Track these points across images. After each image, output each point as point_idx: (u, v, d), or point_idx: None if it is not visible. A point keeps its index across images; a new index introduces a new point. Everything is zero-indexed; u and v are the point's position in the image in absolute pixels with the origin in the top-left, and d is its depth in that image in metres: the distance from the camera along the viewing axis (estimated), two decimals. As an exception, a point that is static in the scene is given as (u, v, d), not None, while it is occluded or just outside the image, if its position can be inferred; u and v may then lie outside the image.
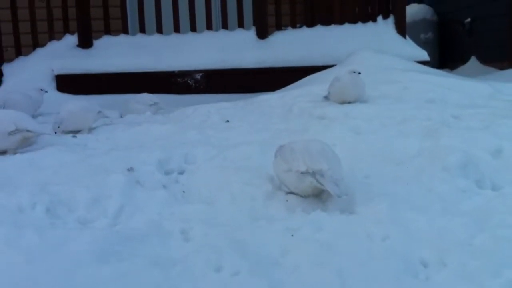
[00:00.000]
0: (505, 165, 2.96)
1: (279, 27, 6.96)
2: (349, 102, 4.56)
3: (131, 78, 6.26)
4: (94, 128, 4.50)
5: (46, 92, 4.82)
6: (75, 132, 4.34)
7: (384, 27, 6.96)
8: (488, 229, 2.31)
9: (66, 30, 6.45)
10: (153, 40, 6.59)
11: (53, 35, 6.36)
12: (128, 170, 3.19)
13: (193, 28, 6.75)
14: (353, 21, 7.01)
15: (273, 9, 6.86)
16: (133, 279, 2.05)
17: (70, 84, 5.98)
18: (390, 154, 3.20)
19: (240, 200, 2.79)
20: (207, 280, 2.07)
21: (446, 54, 10.74)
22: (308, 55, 6.59)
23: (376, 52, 6.05)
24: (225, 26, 6.86)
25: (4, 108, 4.65)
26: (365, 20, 7.03)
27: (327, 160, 2.58)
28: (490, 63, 8.96)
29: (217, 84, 6.49)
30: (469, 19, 9.79)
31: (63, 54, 6.21)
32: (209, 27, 6.81)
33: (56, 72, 6.09)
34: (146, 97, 5.19)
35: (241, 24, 6.88)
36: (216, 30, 6.86)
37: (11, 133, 3.68)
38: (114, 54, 6.30)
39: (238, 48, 6.64)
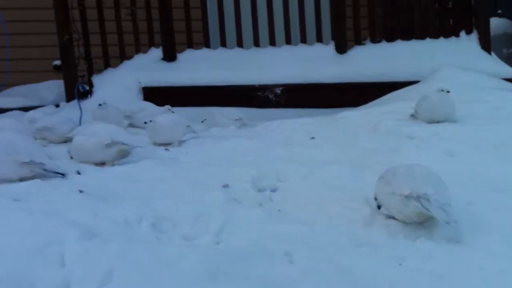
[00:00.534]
0: None
1: (358, 41, 6.92)
2: (438, 122, 4.48)
3: (213, 91, 6.39)
4: (183, 141, 4.62)
5: (173, 112, 4.94)
6: (165, 145, 4.48)
7: (468, 42, 6.79)
8: None
9: (151, 43, 6.67)
10: (234, 54, 6.70)
11: (139, 48, 6.59)
12: (224, 186, 3.26)
13: (272, 42, 6.82)
14: (435, 36, 6.88)
15: (351, 23, 6.84)
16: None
17: (155, 96, 6.17)
18: (490, 180, 3.12)
19: (338, 223, 2.79)
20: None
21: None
22: (388, 70, 6.51)
23: (461, 68, 5.91)
24: (304, 40, 6.89)
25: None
26: (446, 35, 6.88)
27: (432, 184, 2.54)
28: None
29: (296, 99, 6.53)
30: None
31: (149, 67, 6.42)
32: (288, 41, 6.86)
33: (143, 84, 6.31)
34: (231, 112, 5.29)
35: (319, 39, 6.89)
36: (295, 44, 6.90)
37: (107, 146, 3.84)
38: (197, 67, 6.46)
39: (317, 63, 6.65)
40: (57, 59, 7.57)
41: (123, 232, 2.61)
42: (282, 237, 2.64)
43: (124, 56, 6.56)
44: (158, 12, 6.50)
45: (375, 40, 7.04)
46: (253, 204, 3.05)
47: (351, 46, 6.86)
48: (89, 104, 6.11)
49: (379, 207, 2.77)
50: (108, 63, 6.55)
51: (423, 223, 2.61)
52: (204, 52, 6.72)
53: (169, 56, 6.49)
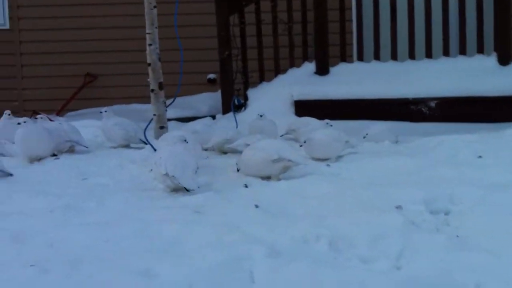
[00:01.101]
0: None
1: (523, 53, 6.45)
2: None
3: (365, 104, 6.31)
4: (341, 156, 4.61)
5: (331, 126, 4.90)
6: (323, 160, 4.49)
7: None
8: None
9: (305, 57, 6.75)
10: (388, 67, 6.56)
11: (293, 62, 6.70)
12: (397, 208, 3.19)
13: (429, 54, 6.58)
14: None
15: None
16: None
17: (307, 109, 6.21)
18: None
19: (528, 254, 2.59)
20: None
21: None
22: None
23: None
24: (462, 52, 6.57)
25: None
26: None
27: None
28: None
29: (453, 113, 6.22)
30: None
31: (301, 81, 6.50)
32: (445, 53, 6.58)
33: (295, 98, 6.40)
34: (383, 126, 5.23)
35: (480, 50, 6.53)
36: (453, 56, 6.60)
37: (274, 161, 3.94)
38: (350, 81, 6.40)
39: (477, 75, 6.29)
40: (211, 72, 7.98)
41: (303, 250, 2.64)
42: (468, 266, 2.50)
43: (278, 70, 6.71)
44: (313, 26, 6.57)
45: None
46: (431, 228, 2.94)
47: (515, 58, 6.41)
48: (243, 116, 6.33)
49: None
50: (263, 77, 6.74)
51: None
52: (357, 65, 6.66)
53: (322, 69, 6.51)
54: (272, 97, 6.45)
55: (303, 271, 2.34)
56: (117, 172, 4.31)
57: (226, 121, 6.37)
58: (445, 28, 6.54)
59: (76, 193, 3.71)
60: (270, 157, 3.90)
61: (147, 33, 5.11)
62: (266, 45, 6.69)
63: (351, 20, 7.12)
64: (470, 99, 6.23)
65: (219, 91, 7.78)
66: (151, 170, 3.85)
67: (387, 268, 2.54)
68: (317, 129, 4.74)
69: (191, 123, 5.97)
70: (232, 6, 6.56)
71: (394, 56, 6.65)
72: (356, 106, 6.30)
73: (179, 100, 7.48)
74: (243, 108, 6.65)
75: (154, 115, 5.20)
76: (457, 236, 2.87)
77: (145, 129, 5.10)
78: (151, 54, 5.13)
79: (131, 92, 7.79)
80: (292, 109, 6.42)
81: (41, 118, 5.02)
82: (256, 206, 3.23)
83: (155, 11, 5.08)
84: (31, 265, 2.51)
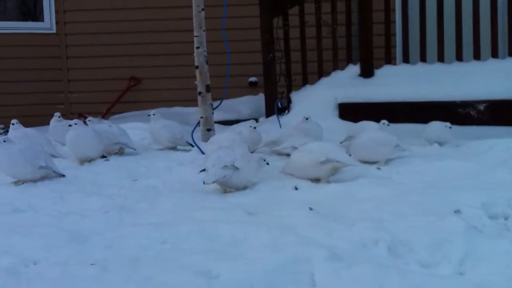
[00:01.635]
0: None
1: None
2: None
3: (411, 107, 6.21)
4: (391, 159, 4.53)
5: (388, 125, 4.89)
6: (372, 163, 4.42)
7: None
8: None
9: (349, 59, 6.69)
10: (434, 69, 6.45)
11: (337, 64, 6.65)
12: (455, 212, 3.11)
13: (477, 56, 6.44)
14: None
15: None
16: None
17: (351, 112, 6.16)
18: None
19: None
20: None
21: None
22: None
23: None
24: (511, 53, 6.42)
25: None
26: None
27: None
28: None
29: (503, 116, 6.07)
30: None
31: (345, 83, 6.43)
32: (494, 54, 6.43)
33: (339, 101, 6.34)
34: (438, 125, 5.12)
35: (531, 51, 6.37)
36: (502, 58, 6.44)
37: (322, 163, 3.90)
38: (395, 83, 6.31)
39: (528, 77, 6.13)
40: (252, 75, 7.99)
41: (363, 254, 2.59)
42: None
43: (322, 73, 6.66)
44: (358, 28, 6.51)
45: None
46: (491, 233, 2.85)
47: None
48: (287, 119, 6.31)
49: None
50: (307, 79, 6.70)
51: None
52: (402, 67, 6.56)
53: (367, 72, 6.44)
54: (316, 100, 6.41)
55: (364, 275, 2.29)
56: (166, 174, 4.34)
57: (269, 124, 6.36)
58: (493, 29, 6.39)
59: (128, 194, 3.74)
60: (318, 158, 3.87)
61: (195, 36, 5.13)
62: (310, 48, 6.65)
63: (394, 22, 7.03)
64: (520, 102, 6.07)
65: (260, 94, 7.80)
66: (201, 171, 3.88)
67: (450, 274, 2.48)
68: (372, 130, 4.68)
69: (235, 126, 5.97)
70: (275, 8, 6.55)
71: (440, 58, 6.53)
72: (402, 109, 6.20)
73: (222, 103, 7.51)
74: (286, 111, 6.63)
75: (201, 117, 5.22)
76: (521, 241, 2.78)
77: (193, 131, 5.13)
78: (198, 56, 5.15)
79: (173, 95, 7.88)
80: (336, 112, 6.36)
81: (89, 120, 5.10)
82: (310, 209, 3.20)
83: (202, 13, 5.11)
84: (91, 264, 2.53)
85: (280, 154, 4.81)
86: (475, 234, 2.77)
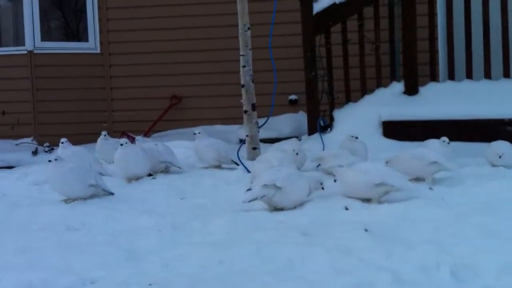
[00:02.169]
0: None
1: None
2: None
3: (457, 125, 6.07)
4: (442, 178, 4.42)
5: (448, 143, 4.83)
6: (413, 180, 4.32)
7: None
8: None
9: (392, 76, 6.62)
10: (481, 86, 6.32)
11: (380, 82, 6.57)
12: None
13: (525, 72, 6.31)
14: None
15: None
16: None
17: (396, 130, 6.07)
18: None
19: None
20: None
21: None
22: None
23: None
24: (562, 69, 6.26)
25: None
26: None
27: None
28: None
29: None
30: None
31: (389, 101, 6.35)
32: (543, 71, 6.28)
33: (384, 119, 6.25)
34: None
35: None
36: (552, 74, 6.29)
37: (377, 185, 3.82)
38: (440, 101, 6.21)
39: None
40: (292, 93, 7.98)
41: (426, 278, 2.52)
42: None
43: (365, 90, 6.60)
44: (401, 45, 6.44)
45: None
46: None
47: None
48: (329, 137, 6.24)
49: None
50: (349, 97, 6.64)
51: None
52: (448, 84, 6.45)
53: (411, 89, 6.35)
54: (359, 118, 6.33)
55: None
56: (213, 193, 4.34)
57: (312, 142, 6.31)
58: (542, 45, 6.25)
59: (178, 212, 3.74)
60: (373, 181, 3.79)
61: (241, 55, 5.15)
62: (352, 65, 6.60)
63: (436, 39, 6.93)
64: None
65: (300, 112, 7.76)
66: (248, 190, 3.86)
67: (520, 299, 2.38)
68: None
69: (277, 144, 5.94)
70: (318, 26, 6.52)
71: (487, 75, 6.40)
72: (448, 127, 6.06)
73: (262, 121, 7.50)
74: (329, 129, 6.57)
75: (247, 136, 5.21)
76: None
77: (238, 150, 5.12)
78: (244, 75, 5.16)
79: (214, 113, 7.91)
80: (380, 130, 6.27)
81: (137, 140, 5.15)
82: (366, 230, 3.13)
83: (248, 32, 5.12)
84: (149, 284, 2.52)
85: (327, 172, 4.75)
86: (543, 258, 2.66)
